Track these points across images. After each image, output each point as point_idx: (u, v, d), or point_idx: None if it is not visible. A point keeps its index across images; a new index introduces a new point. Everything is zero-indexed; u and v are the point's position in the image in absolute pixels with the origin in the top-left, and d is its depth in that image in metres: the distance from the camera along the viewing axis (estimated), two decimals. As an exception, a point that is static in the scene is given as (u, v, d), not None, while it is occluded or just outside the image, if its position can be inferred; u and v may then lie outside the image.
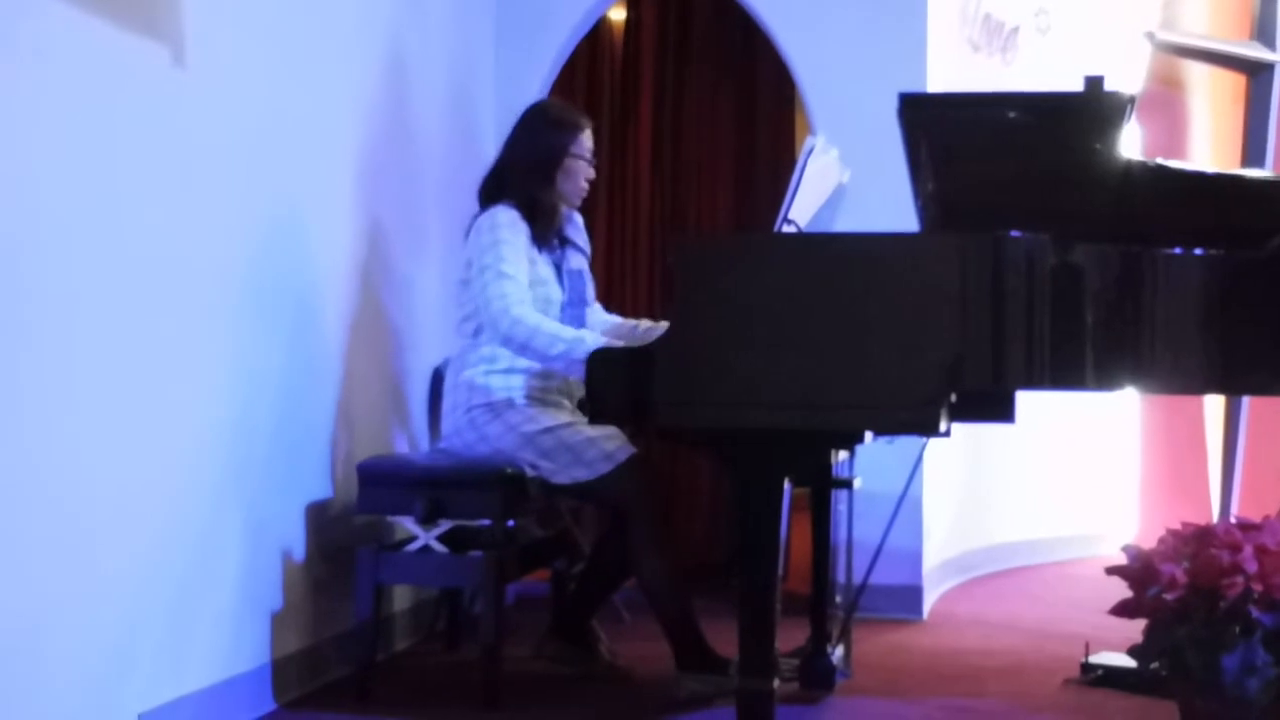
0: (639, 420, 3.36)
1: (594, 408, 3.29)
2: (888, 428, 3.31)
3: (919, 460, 4.10)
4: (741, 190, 5.84)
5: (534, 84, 5.42)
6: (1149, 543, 6.92)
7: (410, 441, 4.61)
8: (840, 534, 4.47)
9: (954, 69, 5.53)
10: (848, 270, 3.15)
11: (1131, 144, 3.70)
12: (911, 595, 5.13)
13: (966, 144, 3.23)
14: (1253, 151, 7.39)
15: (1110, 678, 4.06)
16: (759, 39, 5.48)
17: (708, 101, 5.90)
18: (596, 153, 4.17)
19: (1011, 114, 3.21)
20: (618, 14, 6.04)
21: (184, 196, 3.34)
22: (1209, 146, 7.39)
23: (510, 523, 4.08)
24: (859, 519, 4.72)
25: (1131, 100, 3.15)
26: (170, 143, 3.28)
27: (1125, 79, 6.95)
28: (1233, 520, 3.27)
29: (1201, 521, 6.99)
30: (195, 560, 3.42)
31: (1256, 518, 6.81)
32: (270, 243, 3.77)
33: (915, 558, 5.13)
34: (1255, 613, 2.92)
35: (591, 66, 5.99)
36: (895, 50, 5.14)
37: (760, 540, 3.25)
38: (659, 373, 3.18)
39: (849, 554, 4.16)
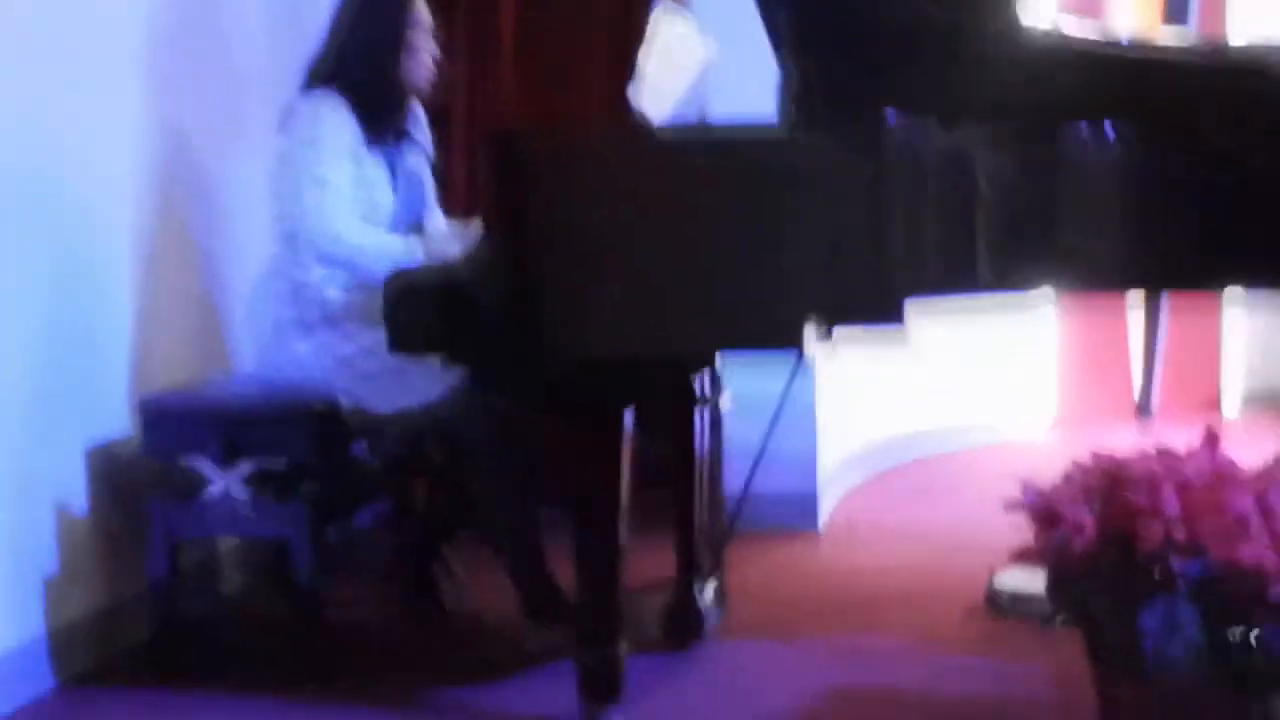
0: (446, 354, 2.86)
1: (393, 338, 2.79)
2: (743, 348, 2.84)
3: (794, 370, 3.59)
4: (618, 81, 5.20)
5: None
6: (1070, 425, 6.51)
7: (225, 368, 4.03)
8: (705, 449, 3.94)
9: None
10: (692, 170, 2.64)
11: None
12: (805, 504, 4.65)
13: (831, 9, 2.70)
14: (1173, 8, 6.89)
15: (1018, 605, 3.61)
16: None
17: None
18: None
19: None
20: None
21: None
22: (1129, 3, 6.88)
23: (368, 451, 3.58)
24: (742, 424, 4.18)
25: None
26: None
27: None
28: (1152, 443, 2.78)
29: (1123, 402, 6.65)
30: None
31: (1181, 404, 6.44)
32: (25, 144, 3.18)
33: (808, 462, 4.65)
34: (1177, 563, 2.45)
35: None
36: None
37: (599, 489, 2.79)
38: (467, 301, 2.68)
39: (713, 471, 3.65)
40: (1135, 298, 6.67)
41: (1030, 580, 3.47)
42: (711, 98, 4.10)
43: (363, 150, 3.42)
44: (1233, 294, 5.37)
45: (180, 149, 3.83)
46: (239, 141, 4.08)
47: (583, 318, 2.64)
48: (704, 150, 2.70)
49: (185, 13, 3.87)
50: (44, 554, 3.25)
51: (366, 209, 3.41)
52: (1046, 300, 6.32)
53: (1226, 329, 6.84)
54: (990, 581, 3.70)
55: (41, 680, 3.20)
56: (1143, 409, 6.71)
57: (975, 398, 6.31)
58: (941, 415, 6.08)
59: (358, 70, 3.43)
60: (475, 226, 3.39)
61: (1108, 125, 2.69)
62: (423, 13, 3.53)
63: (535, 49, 5.13)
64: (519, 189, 2.68)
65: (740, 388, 3.94)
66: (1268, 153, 2.70)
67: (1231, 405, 6.80)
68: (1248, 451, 2.73)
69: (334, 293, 3.40)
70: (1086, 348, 6.82)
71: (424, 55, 3.52)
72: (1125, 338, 6.75)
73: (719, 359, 3.31)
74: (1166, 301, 6.64)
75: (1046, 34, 2.75)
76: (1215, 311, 6.74)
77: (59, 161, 3.31)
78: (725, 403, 3.59)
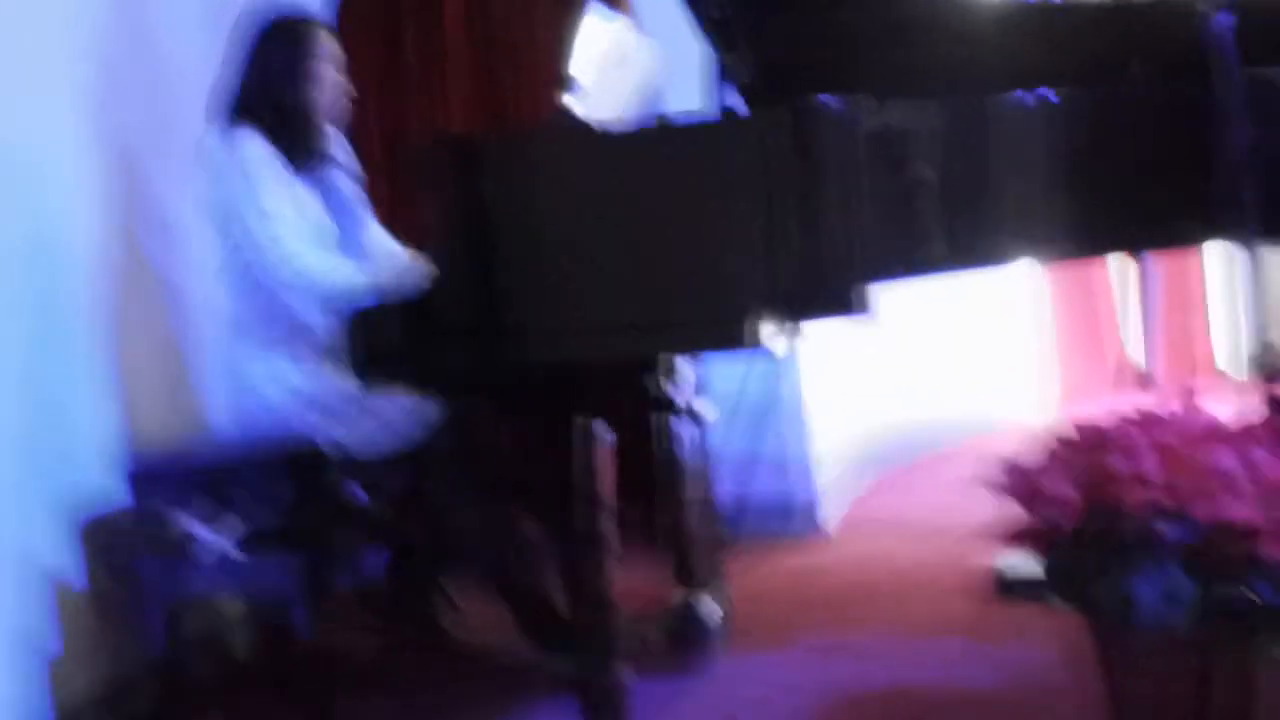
0: (410, 378, 2.86)
1: (361, 374, 2.79)
2: (688, 348, 2.83)
3: (771, 368, 3.59)
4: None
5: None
6: (1077, 402, 6.44)
7: (204, 419, 3.98)
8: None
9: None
10: (621, 168, 2.63)
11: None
12: (804, 507, 4.62)
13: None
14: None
15: (1023, 587, 3.57)
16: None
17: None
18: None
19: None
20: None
21: None
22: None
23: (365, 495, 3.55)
24: (735, 436, 4.15)
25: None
26: None
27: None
28: (1133, 408, 2.75)
29: (1127, 372, 6.59)
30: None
31: (1181, 364, 6.39)
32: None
33: (803, 467, 4.62)
34: (1163, 527, 2.42)
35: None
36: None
37: (579, 504, 2.76)
38: (426, 321, 2.69)
39: (699, 480, 3.60)
40: (1123, 263, 6.68)
41: (1032, 561, 3.45)
42: (661, 99, 4.10)
43: (292, 178, 3.44)
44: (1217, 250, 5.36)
45: (133, 190, 3.78)
46: (192, 177, 3.87)
47: (534, 321, 2.64)
48: (633, 141, 2.68)
49: (128, 61, 3.83)
50: (45, 634, 3.22)
51: (311, 233, 3.42)
52: (1026, 273, 6.33)
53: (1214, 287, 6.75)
54: (994, 567, 3.67)
55: (51, 765, 3.18)
56: (1144, 377, 6.71)
57: (977, 384, 6.27)
58: (945, 406, 6.04)
59: (265, 103, 3.44)
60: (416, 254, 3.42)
61: (1041, 87, 2.68)
62: (326, 42, 3.54)
63: (480, 62, 5.14)
64: (462, 194, 2.68)
65: (726, 391, 3.92)
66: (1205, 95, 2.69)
67: (1237, 365, 6.75)
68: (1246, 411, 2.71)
69: (301, 334, 3.38)
70: (1081, 321, 6.78)
71: (329, 85, 3.53)
72: (1113, 306, 6.73)
73: (683, 364, 3.28)
74: (1154, 266, 6.65)
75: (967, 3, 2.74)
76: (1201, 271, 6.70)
77: (12, 215, 3.27)
78: (706, 409, 3.55)
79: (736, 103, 3.04)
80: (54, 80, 3.51)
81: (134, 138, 3.83)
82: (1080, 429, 2.66)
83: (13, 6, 3.31)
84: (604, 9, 3.23)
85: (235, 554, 3.30)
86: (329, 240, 3.48)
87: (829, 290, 2.67)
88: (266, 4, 3.78)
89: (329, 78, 3.53)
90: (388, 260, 3.56)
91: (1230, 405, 2.81)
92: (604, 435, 2.81)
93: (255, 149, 3.39)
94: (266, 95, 3.46)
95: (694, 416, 3.47)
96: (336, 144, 3.61)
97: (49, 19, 3.50)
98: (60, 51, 3.55)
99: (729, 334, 2.56)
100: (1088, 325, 6.78)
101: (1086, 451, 2.56)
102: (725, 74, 2.96)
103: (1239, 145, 2.73)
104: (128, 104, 3.81)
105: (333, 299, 3.23)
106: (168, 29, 4.09)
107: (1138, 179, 2.77)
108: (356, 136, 3.71)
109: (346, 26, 4.74)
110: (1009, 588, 3.59)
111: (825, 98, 2.57)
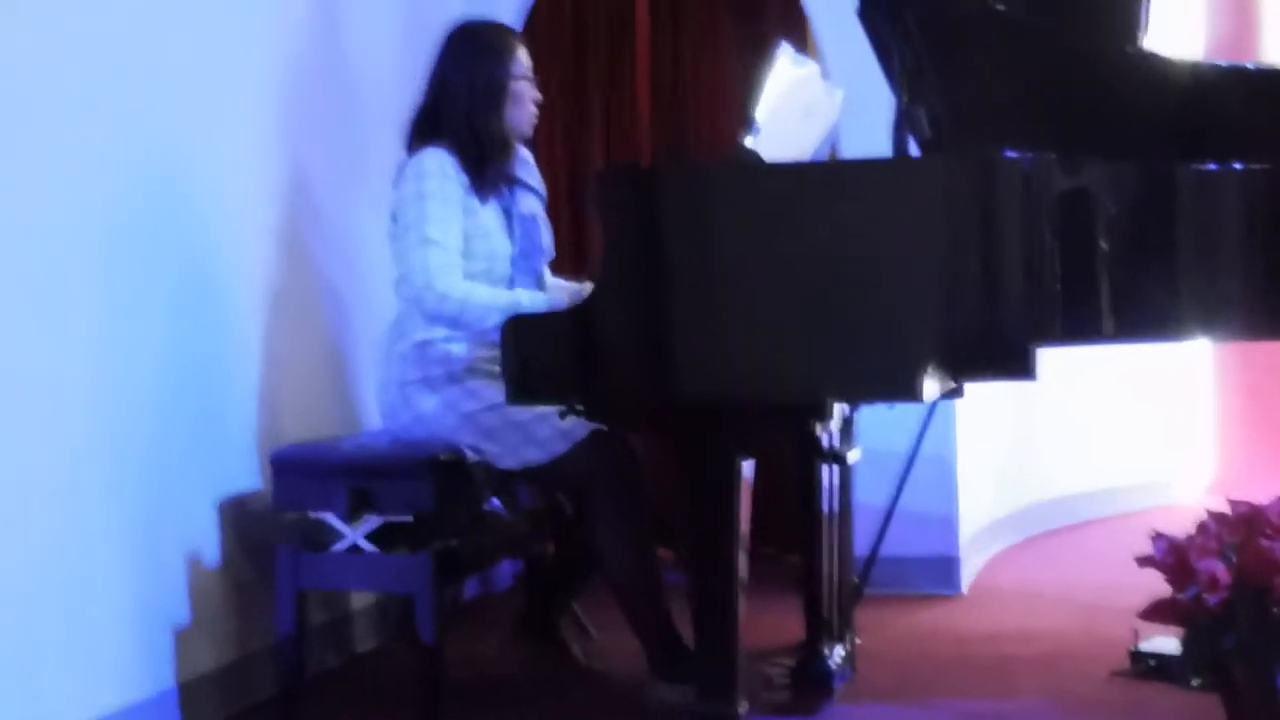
0: (566, 398, 2.85)
1: (513, 387, 2.78)
2: (856, 397, 2.78)
3: (926, 421, 3.52)
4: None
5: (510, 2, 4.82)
6: (1229, 488, 6.28)
7: (357, 421, 4.05)
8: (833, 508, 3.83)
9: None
10: (803, 206, 2.60)
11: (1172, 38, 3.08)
12: (945, 567, 4.53)
13: (944, 44, 2.66)
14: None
15: (1163, 670, 3.45)
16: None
17: (710, 27, 5.25)
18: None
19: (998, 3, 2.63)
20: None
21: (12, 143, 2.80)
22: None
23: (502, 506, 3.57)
24: (879, 487, 4.07)
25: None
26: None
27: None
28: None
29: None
30: (66, 577, 2.94)
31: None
32: (151, 196, 3.24)
33: (948, 524, 4.53)
34: (1316, 618, 2.33)
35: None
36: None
37: (715, 535, 2.74)
38: (585, 340, 2.67)
39: (841, 528, 3.54)
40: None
41: (1174, 644, 3.34)
42: (840, 146, 4.05)
43: (474, 201, 3.41)
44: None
45: (306, 194, 3.85)
46: (363, 190, 4.06)
47: (697, 354, 2.62)
48: (814, 178, 2.66)
49: (316, 58, 3.91)
50: (175, 605, 3.28)
51: (487, 261, 3.41)
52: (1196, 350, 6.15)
53: None
54: (1134, 645, 3.56)
55: (172, 731, 3.23)
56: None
57: (1133, 458, 6.11)
58: (1096, 477, 5.90)
59: (462, 123, 3.42)
60: (586, 286, 3.37)
61: (1240, 155, 2.59)
62: (524, 60, 3.50)
63: (667, 91, 5.16)
64: (638, 220, 2.69)
65: (878, 444, 3.86)
66: None
67: None
68: None
69: (457, 349, 3.40)
70: (1244, 401, 6.57)
71: (526, 103, 3.50)
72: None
73: (840, 409, 3.23)
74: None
75: (1166, 59, 2.66)
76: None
77: (188, 206, 3.36)
78: (854, 457, 3.49)
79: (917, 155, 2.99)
80: (243, 95, 3.61)
81: (319, 155, 3.92)
82: (1236, 507, 2.57)
83: (211, 20, 3.43)
84: (795, 53, 3.18)
85: (368, 548, 3.33)
86: (502, 264, 3.45)
87: (1001, 351, 2.62)
88: (462, 13, 3.83)
89: (526, 95, 3.50)
90: (553, 291, 3.55)
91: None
92: (745, 473, 2.78)
93: (435, 168, 3.37)
94: (463, 114, 3.42)
95: (840, 462, 3.41)
96: (525, 164, 3.58)
97: (246, 35, 3.61)
98: (252, 68, 3.65)
99: (900, 387, 2.53)
100: (1257, 409, 6.56)
101: (1241, 530, 2.46)
102: (908, 126, 2.91)
103: None
104: (316, 124, 3.90)
105: (472, 326, 3.25)
106: (363, 52, 4.19)
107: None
108: (538, 155, 3.71)
109: (533, 41, 4.81)
110: (1146, 665, 3.48)
111: (1013, 153, 2.52)
